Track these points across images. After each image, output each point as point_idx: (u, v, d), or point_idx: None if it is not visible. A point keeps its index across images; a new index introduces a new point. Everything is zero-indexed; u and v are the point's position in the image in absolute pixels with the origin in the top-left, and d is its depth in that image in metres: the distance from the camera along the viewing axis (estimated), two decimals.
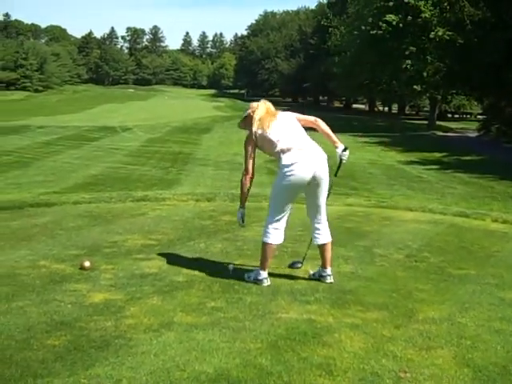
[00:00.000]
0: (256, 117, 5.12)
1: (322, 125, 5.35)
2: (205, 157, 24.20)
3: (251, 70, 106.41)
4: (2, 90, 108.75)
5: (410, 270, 5.70)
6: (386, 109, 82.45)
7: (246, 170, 5.17)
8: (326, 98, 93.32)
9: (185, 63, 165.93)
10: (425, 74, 41.26)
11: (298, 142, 5.05)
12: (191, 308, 4.39)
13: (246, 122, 5.24)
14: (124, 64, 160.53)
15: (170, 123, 45.49)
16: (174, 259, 5.79)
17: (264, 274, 5.11)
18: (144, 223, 7.68)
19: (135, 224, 7.62)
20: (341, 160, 5.31)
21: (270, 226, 5.10)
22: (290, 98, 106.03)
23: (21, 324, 3.96)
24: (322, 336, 3.92)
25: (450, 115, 71.27)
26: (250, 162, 5.16)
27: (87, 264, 5.36)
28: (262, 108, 5.20)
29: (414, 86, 42.99)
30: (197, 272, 5.35)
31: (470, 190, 16.78)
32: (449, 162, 25.99)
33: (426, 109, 69.27)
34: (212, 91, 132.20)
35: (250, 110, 5.22)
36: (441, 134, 46.02)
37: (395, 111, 78.30)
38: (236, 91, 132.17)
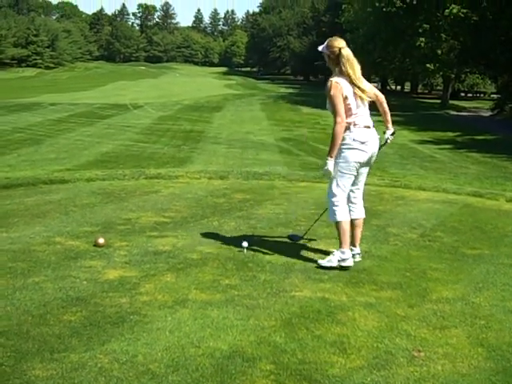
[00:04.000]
0: (347, 56, 4.90)
1: (385, 104, 5.24)
2: (216, 135, 24.16)
3: (263, 47, 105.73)
4: (14, 67, 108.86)
5: (424, 250, 5.69)
6: (399, 87, 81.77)
7: (341, 116, 4.86)
8: None
9: (196, 40, 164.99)
10: (439, 51, 40.80)
11: (368, 120, 5.03)
12: (205, 285, 4.41)
13: (332, 58, 4.96)
14: (135, 41, 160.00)
15: (181, 101, 45.40)
16: (187, 237, 5.81)
17: (348, 253, 5.01)
18: (157, 201, 7.70)
19: (148, 201, 7.64)
20: (386, 141, 5.33)
21: (338, 204, 5.01)
22: (302, 76, 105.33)
23: (37, 299, 4.00)
24: (336, 314, 3.93)
25: (463, 94, 70.60)
26: (342, 107, 4.86)
27: (101, 241, 5.39)
28: (353, 63, 4.95)
29: (428, 64, 42.55)
30: (211, 250, 5.37)
31: (483, 170, 16.68)
32: (462, 142, 25.82)
33: (438, 88, 68.65)
34: (223, 69, 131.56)
35: (335, 48, 4.92)
36: (454, 113, 45.63)
37: (408, 90, 77.62)
38: (247, 69, 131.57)
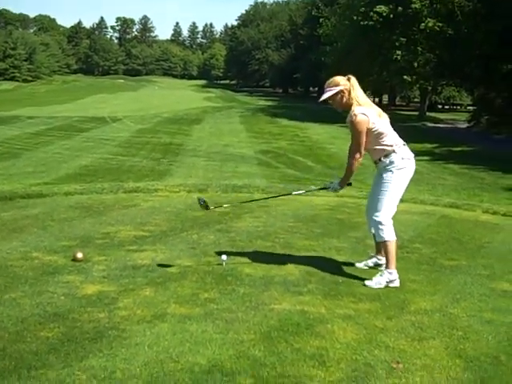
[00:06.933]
0: (362, 99, 4.94)
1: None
2: (196, 148, 24.14)
3: (241, 60, 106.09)
4: None
5: (402, 261, 5.71)
6: (377, 99, 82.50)
7: (360, 153, 4.96)
8: (316, 89, 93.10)
9: (175, 53, 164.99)
10: (415, 64, 41.32)
11: (400, 139, 5.05)
12: (184, 299, 4.40)
13: (348, 90, 4.95)
14: (114, 54, 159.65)
15: (160, 114, 45.35)
16: (166, 250, 5.79)
17: (395, 274, 4.99)
18: (136, 214, 7.67)
19: (127, 215, 7.60)
20: (327, 188, 5.36)
21: (385, 223, 5.00)
22: (281, 88, 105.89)
23: (14, 316, 3.95)
24: (315, 327, 3.93)
25: (440, 106, 71.42)
26: (363, 144, 4.91)
27: (80, 255, 5.35)
28: (359, 87, 5.00)
29: (404, 77, 43.04)
30: (189, 263, 5.36)
31: (460, 181, 16.87)
32: (440, 153, 26.09)
33: (416, 100, 69.36)
34: (202, 82, 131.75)
35: (341, 87, 4.94)
36: (431, 124, 46.14)
37: (386, 102, 78.36)
38: (226, 82, 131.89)
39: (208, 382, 3.13)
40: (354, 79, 4.99)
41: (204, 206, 5.53)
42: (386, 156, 4.96)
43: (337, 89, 4.94)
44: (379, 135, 4.91)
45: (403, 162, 4.96)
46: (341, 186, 5.20)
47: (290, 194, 5.71)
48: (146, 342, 3.58)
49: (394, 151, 4.94)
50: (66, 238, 6.24)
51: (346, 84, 4.94)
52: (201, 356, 3.42)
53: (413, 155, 5.08)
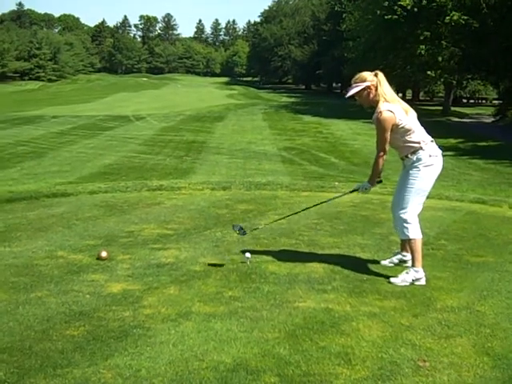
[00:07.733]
0: (389, 95, 4.86)
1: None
2: (219, 145, 24.14)
3: (264, 57, 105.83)
4: (16, 80, 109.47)
5: (428, 258, 5.65)
6: (401, 95, 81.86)
7: (383, 151, 4.90)
8: (339, 84, 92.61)
9: (198, 51, 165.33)
10: (440, 58, 40.82)
11: (428, 135, 5.00)
12: (209, 297, 4.40)
13: (375, 87, 4.89)
14: (137, 52, 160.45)
15: (183, 112, 45.47)
16: (190, 249, 5.81)
17: (422, 272, 4.94)
18: (160, 212, 7.70)
19: (151, 213, 7.64)
20: (357, 190, 5.32)
21: (411, 221, 4.95)
22: (303, 85, 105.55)
23: (40, 314, 4.00)
24: (340, 325, 3.91)
25: (464, 100, 70.64)
26: (387, 142, 4.86)
27: (104, 254, 5.39)
28: (386, 83, 4.91)
29: (429, 72, 42.57)
30: (213, 261, 5.36)
31: (486, 177, 16.63)
32: (464, 148, 25.76)
33: (440, 94, 68.65)
34: (225, 79, 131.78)
35: (368, 83, 4.87)
36: (456, 119, 45.59)
37: (409, 97, 77.78)
38: (249, 79, 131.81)
39: (233, 380, 3.12)
40: (381, 75, 4.92)
41: (241, 232, 5.65)
42: (413, 153, 4.89)
43: (363, 85, 4.89)
44: (406, 132, 4.85)
45: (430, 159, 4.89)
46: (371, 184, 5.15)
47: (327, 201, 5.77)
48: (170, 341, 3.59)
49: (421, 148, 4.87)
50: (90, 236, 6.29)
51: (373, 80, 4.88)
52: (226, 354, 3.42)
53: (440, 152, 5.01)
